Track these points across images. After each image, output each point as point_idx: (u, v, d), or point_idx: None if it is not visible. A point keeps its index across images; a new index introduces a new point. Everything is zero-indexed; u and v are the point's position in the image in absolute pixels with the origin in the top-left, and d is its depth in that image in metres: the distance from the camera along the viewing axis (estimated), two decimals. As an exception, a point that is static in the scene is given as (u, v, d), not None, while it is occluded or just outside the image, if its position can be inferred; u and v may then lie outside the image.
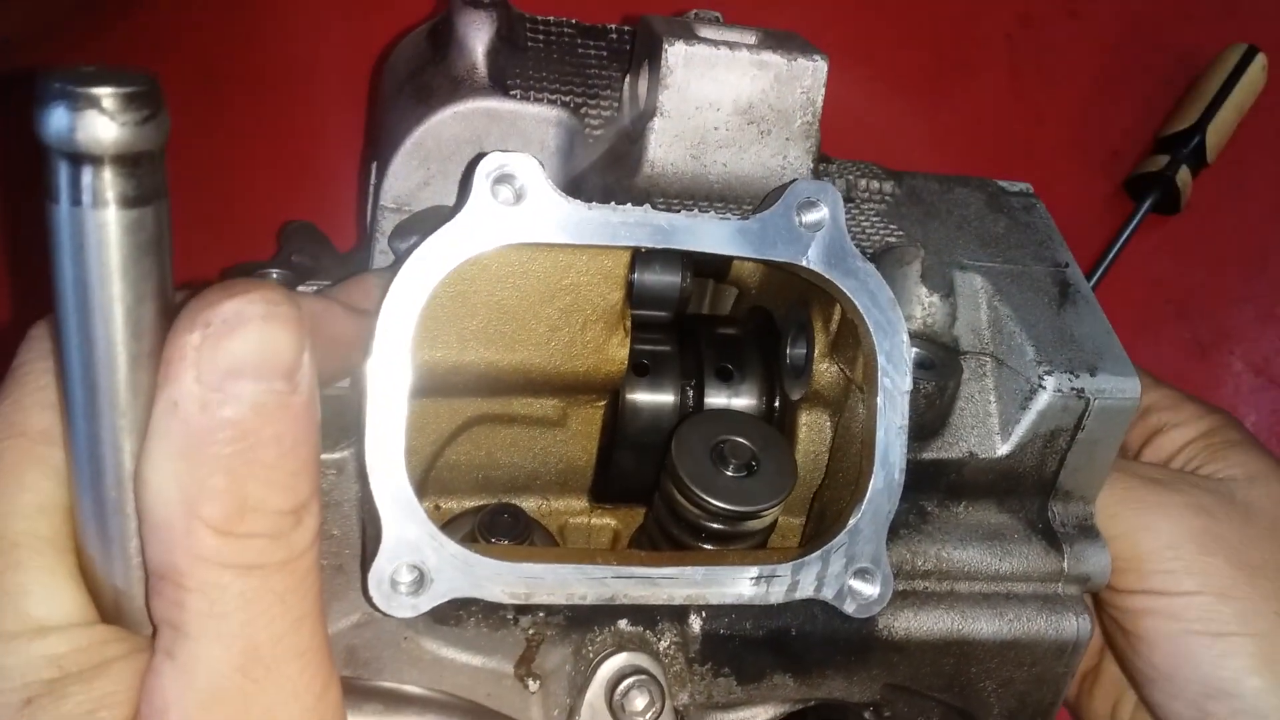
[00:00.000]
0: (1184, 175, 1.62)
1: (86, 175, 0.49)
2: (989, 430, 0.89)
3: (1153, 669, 0.97)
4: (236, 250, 1.38)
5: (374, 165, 0.94)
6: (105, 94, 0.48)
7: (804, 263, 0.79)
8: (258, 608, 0.56)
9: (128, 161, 0.49)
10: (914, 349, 0.84)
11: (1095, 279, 1.59)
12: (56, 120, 0.48)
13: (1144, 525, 0.95)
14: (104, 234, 0.50)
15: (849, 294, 0.80)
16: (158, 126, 0.50)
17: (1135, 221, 1.62)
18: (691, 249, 0.78)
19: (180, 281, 0.59)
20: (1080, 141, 1.73)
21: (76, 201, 0.49)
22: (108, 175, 0.49)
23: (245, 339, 0.54)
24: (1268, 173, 1.74)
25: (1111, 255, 1.61)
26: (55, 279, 0.52)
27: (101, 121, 0.48)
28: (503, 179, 0.74)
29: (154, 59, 1.54)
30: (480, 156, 0.74)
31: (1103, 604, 1.00)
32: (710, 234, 0.78)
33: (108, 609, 0.60)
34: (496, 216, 0.74)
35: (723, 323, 1.05)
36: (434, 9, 1.40)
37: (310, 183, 1.52)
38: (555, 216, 0.75)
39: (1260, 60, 1.64)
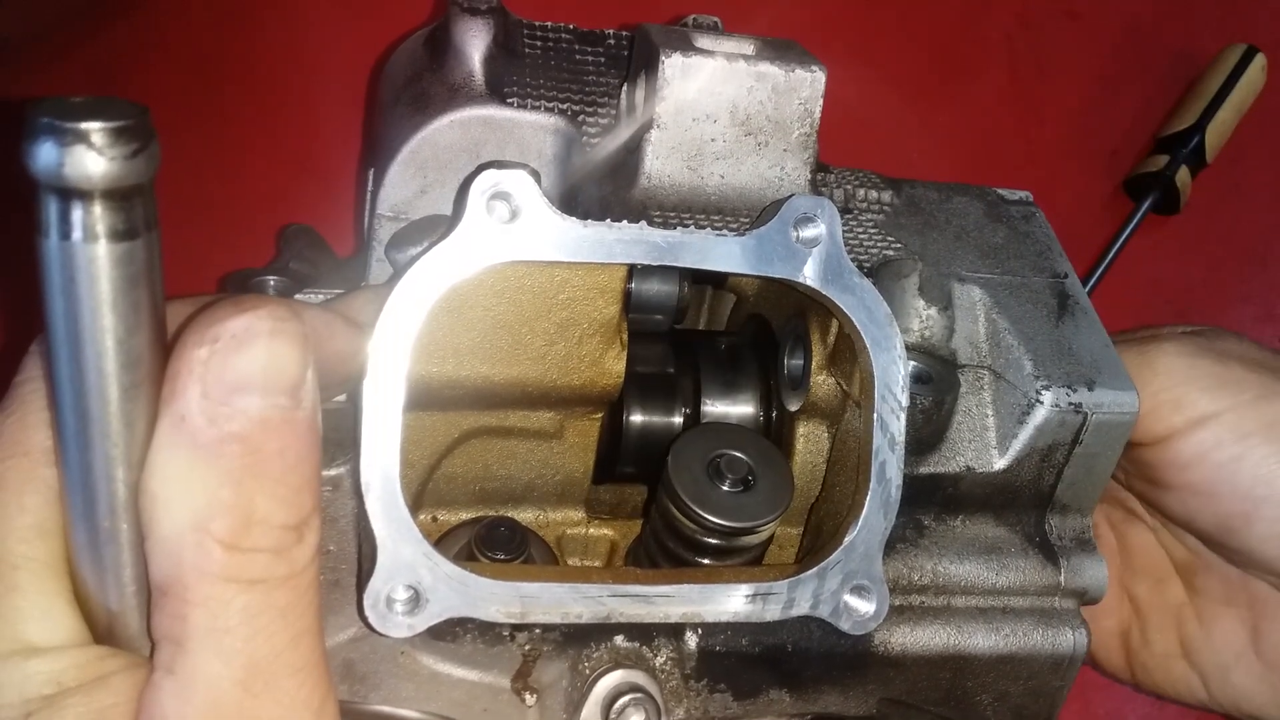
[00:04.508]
0: (1183, 175, 1.62)
1: (76, 210, 0.49)
2: (986, 444, 0.89)
3: (1243, 503, 0.92)
4: (235, 252, 1.37)
5: (371, 173, 0.93)
6: (94, 129, 0.47)
7: (801, 279, 0.79)
8: (259, 623, 0.56)
9: (118, 196, 0.49)
10: (911, 363, 0.84)
11: (1095, 279, 1.59)
12: (45, 156, 0.47)
13: (1152, 355, 0.94)
14: (94, 268, 0.50)
15: (846, 310, 0.79)
16: (148, 159, 0.49)
17: (1135, 222, 1.62)
18: (687, 265, 0.78)
19: (180, 285, 0.59)
20: (1080, 142, 1.73)
21: (66, 236, 0.49)
22: (98, 210, 0.49)
23: (252, 355, 0.55)
24: (1267, 173, 1.74)
25: (1111, 255, 1.61)
26: (46, 312, 0.52)
27: (90, 157, 0.47)
28: (498, 196, 0.74)
29: (153, 60, 1.53)
30: (476, 172, 0.74)
31: (1160, 475, 0.96)
32: (706, 251, 0.77)
33: (101, 631, 0.60)
34: (491, 235, 0.73)
35: (720, 333, 1.05)
36: (431, 14, 1.40)
37: (309, 184, 1.52)
38: (551, 234, 0.75)
39: (1259, 60, 1.64)
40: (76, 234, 0.49)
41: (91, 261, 0.50)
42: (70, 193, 0.48)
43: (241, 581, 0.55)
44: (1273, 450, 0.90)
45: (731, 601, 0.77)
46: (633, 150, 0.87)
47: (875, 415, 0.80)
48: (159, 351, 0.55)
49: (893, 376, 0.80)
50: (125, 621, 0.59)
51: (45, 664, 0.56)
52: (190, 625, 0.55)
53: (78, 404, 0.54)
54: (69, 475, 0.56)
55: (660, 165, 0.86)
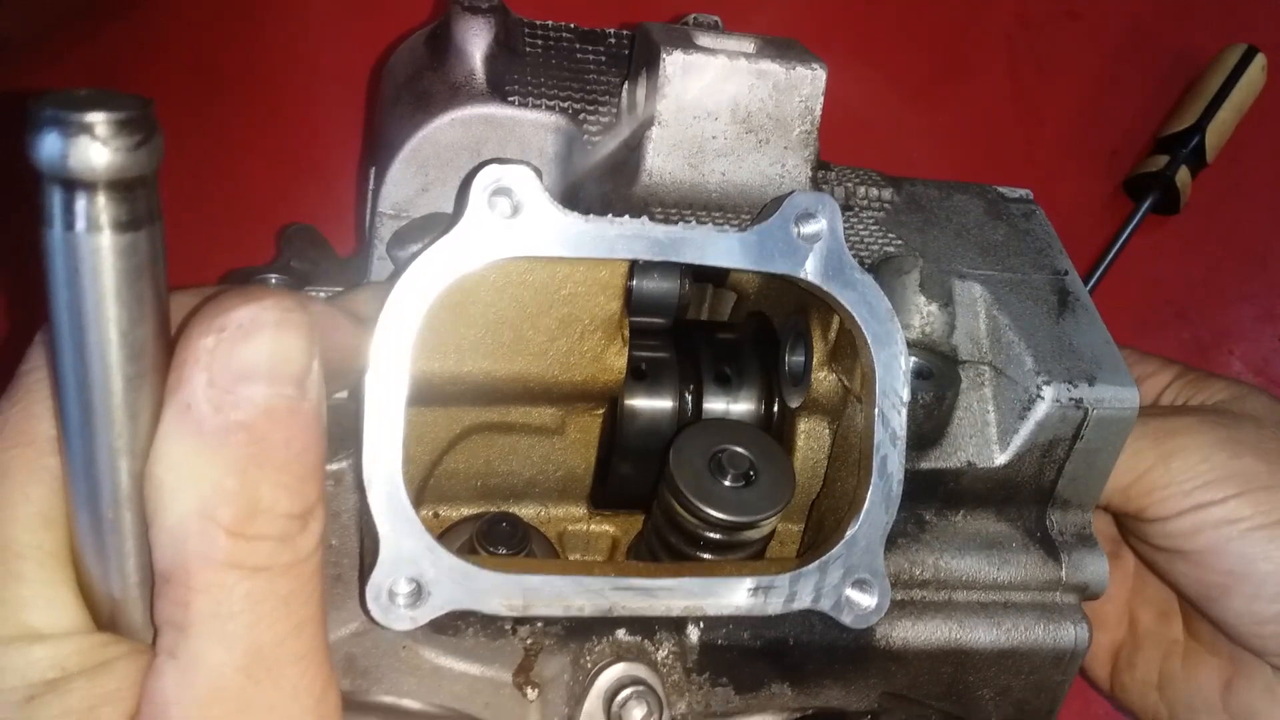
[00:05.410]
0: (1183, 175, 1.62)
1: (80, 201, 0.49)
2: (987, 440, 0.89)
3: (1225, 576, 0.97)
4: (236, 252, 1.38)
5: (372, 171, 0.94)
6: (98, 120, 0.47)
7: (802, 275, 0.79)
8: (262, 610, 0.56)
9: (121, 187, 0.49)
10: (912, 359, 0.84)
11: (1095, 279, 1.59)
12: (49, 147, 0.47)
13: (1170, 449, 0.97)
14: (98, 259, 0.50)
15: (847, 306, 0.79)
16: (151, 150, 0.49)
17: (1135, 222, 1.62)
18: (688, 261, 0.78)
19: (180, 284, 0.59)
20: (1080, 142, 1.73)
21: (70, 227, 0.49)
22: (101, 201, 0.49)
23: (259, 344, 0.55)
24: (1267, 173, 1.74)
25: (1111, 256, 1.61)
26: (50, 303, 0.52)
27: (94, 148, 0.47)
28: (500, 191, 0.74)
29: (153, 59, 1.54)
30: (478, 168, 0.74)
31: (1154, 540, 1.01)
32: (707, 246, 0.78)
33: (105, 620, 0.60)
34: (493, 230, 0.74)
35: (721, 329, 1.05)
36: (432, 14, 1.40)
37: (310, 184, 1.52)
38: (552, 230, 0.75)
39: (1259, 60, 1.64)
40: (80, 225, 0.49)
41: (95, 252, 0.50)
42: (74, 184, 0.49)
43: (245, 568, 0.56)
44: (1263, 536, 0.95)
45: (734, 595, 0.77)
46: (634, 148, 0.87)
47: (876, 410, 0.80)
48: (163, 342, 0.55)
49: (894, 372, 0.80)
50: (128, 610, 0.59)
51: (48, 650, 0.57)
52: (193, 611, 0.55)
53: (81, 395, 0.54)
54: (73, 465, 0.56)
55: (661, 163, 0.86)
